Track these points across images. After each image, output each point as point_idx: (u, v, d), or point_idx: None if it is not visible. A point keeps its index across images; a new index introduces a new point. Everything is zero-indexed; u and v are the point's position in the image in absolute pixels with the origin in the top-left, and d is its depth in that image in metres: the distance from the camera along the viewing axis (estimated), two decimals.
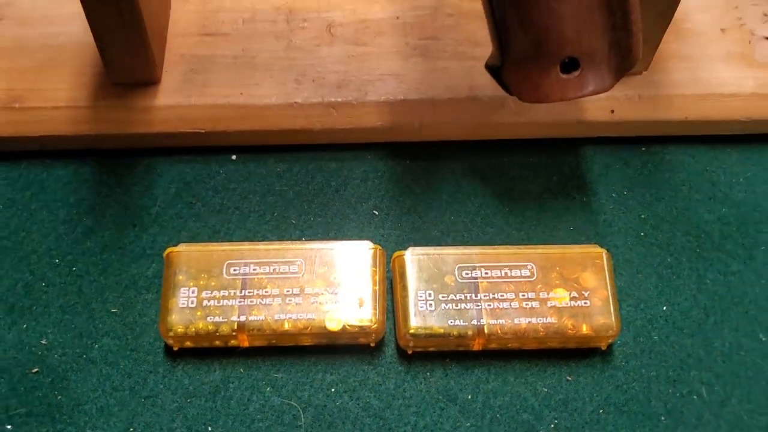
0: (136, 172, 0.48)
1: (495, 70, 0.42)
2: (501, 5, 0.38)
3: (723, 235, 0.47)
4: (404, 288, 0.42)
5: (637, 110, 0.48)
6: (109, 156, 0.48)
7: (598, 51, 0.39)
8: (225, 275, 0.42)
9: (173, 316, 0.41)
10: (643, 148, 0.50)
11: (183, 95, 0.47)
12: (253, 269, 0.41)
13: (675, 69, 0.49)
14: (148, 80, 0.47)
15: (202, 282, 0.41)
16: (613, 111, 0.48)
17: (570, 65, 0.40)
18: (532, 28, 0.38)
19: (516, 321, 0.41)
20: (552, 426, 0.41)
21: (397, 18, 0.51)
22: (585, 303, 0.42)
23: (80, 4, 0.42)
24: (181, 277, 0.42)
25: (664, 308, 0.44)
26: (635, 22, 0.38)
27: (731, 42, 0.51)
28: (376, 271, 0.42)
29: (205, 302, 0.41)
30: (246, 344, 0.41)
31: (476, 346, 0.42)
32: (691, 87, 0.49)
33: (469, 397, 0.41)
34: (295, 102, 0.48)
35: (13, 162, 0.48)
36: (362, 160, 0.49)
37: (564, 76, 0.40)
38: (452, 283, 0.42)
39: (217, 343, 0.41)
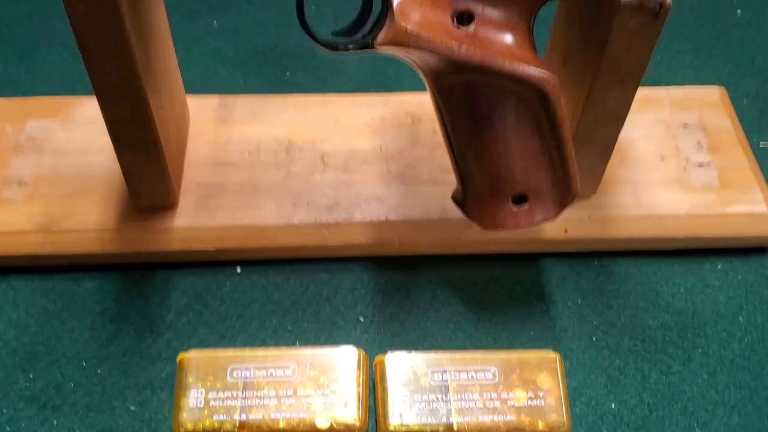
0: (153, 284, 0.55)
1: (459, 202, 0.49)
2: (462, 154, 0.46)
3: (665, 340, 0.53)
4: (384, 389, 0.48)
5: (587, 229, 0.56)
6: (131, 270, 0.56)
7: (543, 188, 0.47)
8: (229, 378, 0.48)
9: (184, 415, 0.47)
10: (596, 262, 0.57)
11: (197, 218, 0.55)
12: (253, 373, 0.48)
13: (620, 192, 0.57)
14: (167, 205, 0.55)
15: (209, 384, 0.48)
16: (566, 230, 0.56)
17: (520, 200, 0.47)
18: (487, 171, 0.46)
19: (480, 419, 0.47)
20: None
21: (381, 149, 0.60)
22: (540, 402, 0.48)
23: (110, 143, 0.50)
24: (191, 380, 0.48)
25: (613, 405, 0.51)
26: (572, 166, 0.46)
27: (669, 168, 0.59)
28: (360, 374, 0.49)
29: (211, 402, 0.47)
30: None
31: None
32: (635, 209, 0.56)
33: None
34: (292, 223, 0.55)
35: (48, 275, 0.55)
36: (350, 272, 0.56)
37: (516, 209, 0.48)
38: (426, 385, 0.49)
39: None
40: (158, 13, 0.50)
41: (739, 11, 0.76)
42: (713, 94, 0.63)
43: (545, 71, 0.42)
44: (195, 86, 0.67)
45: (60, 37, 0.71)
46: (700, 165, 0.59)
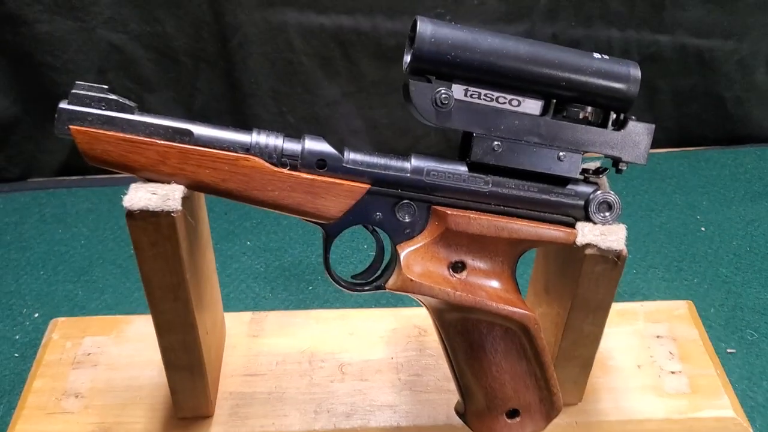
0: None
1: (461, 415, 0.57)
2: (461, 373, 0.55)
3: None
4: None
5: None
6: None
7: (531, 404, 0.55)
8: None
9: None
10: None
11: (230, 426, 0.62)
12: None
13: (602, 399, 0.64)
14: (205, 415, 0.62)
15: None
16: None
17: (513, 414, 0.55)
18: (483, 389, 0.54)
19: None
20: None
21: (392, 358, 0.68)
22: None
23: (160, 358, 0.58)
24: None
25: None
26: (554, 385, 0.54)
27: (646, 376, 0.66)
28: None
29: None
30: None
31: None
32: (615, 414, 0.63)
33: None
34: (314, 429, 0.62)
35: None
36: None
37: (509, 421, 0.55)
38: None
39: None
40: (208, 256, 0.61)
41: (703, 228, 0.87)
42: (682, 308, 0.73)
43: (526, 311, 0.52)
44: (230, 300, 0.77)
45: (112, 256, 0.82)
46: (673, 373, 0.67)
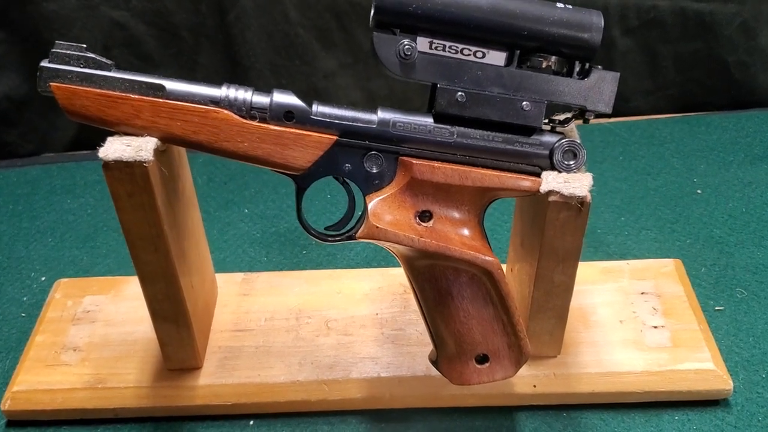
0: None
1: (434, 362, 0.59)
2: (432, 320, 0.57)
3: None
4: None
5: (553, 385, 0.64)
6: (161, 421, 0.65)
7: (500, 349, 0.56)
8: None
9: None
10: (564, 414, 0.64)
11: (217, 377, 0.65)
12: None
13: (582, 352, 0.65)
14: (194, 366, 0.65)
15: None
16: (535, 386, 0.64)
17: (482, 359, 0.56)
18: (453, 335, 0.56)
19: None
20: None
21: (376, 314, 0.70)
22: None
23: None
24: None
25: None
26: (521, 331, 0.55)
27: (627, 330, 0.67)
28: None
29: None
30: None
31: None
32: (595, 367, 0.64)
33: None
34: (297, 380, 0.64)
35: (92, 427, 0.64)
36: (348, 423, 0.65)
37: (479, 366, 0.57)
38: None
39: None
40: (192, 212, 0.63)
41: (699, 191, 0.87)
42: (668, 266, 0.73)
43: (489, 256, 0.53)
44: (226, 264, 0.80)
45: (115, 225, 0.84)
46: (655, 327, 0.67)
